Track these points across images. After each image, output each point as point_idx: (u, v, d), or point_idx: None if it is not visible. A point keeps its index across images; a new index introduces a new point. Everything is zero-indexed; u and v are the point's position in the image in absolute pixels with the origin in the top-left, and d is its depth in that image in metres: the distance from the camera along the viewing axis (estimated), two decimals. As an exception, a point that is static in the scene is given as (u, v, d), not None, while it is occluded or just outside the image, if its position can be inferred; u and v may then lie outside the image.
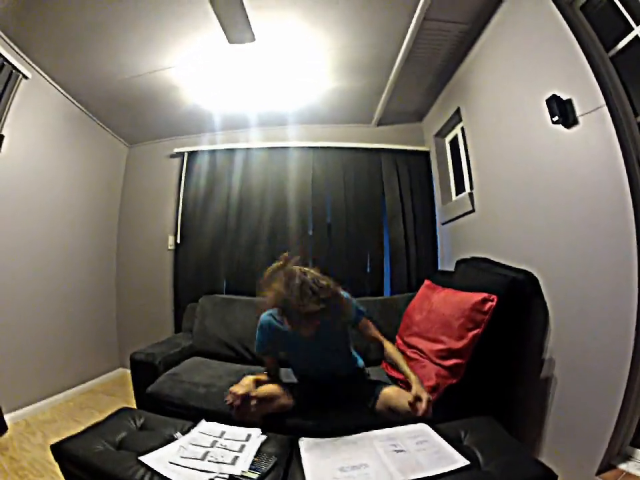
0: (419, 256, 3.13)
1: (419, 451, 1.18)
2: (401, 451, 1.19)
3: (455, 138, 2.96)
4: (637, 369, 1.26)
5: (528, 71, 1.78)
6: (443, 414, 1.43)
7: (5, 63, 2.11)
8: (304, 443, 1.31)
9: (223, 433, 1.36)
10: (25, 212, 2.46)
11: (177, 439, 1.30)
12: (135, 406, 2.06)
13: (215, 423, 1.43)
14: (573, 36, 1.46)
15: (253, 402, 1.48)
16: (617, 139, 1.30)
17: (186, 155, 3.45)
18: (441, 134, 3.12)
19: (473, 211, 2.46)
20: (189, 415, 1.62)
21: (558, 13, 1.52)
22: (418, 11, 1.99)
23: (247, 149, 3.36)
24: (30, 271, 2.50)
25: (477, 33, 2.17)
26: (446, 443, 1.22)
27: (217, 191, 3.34)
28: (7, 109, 2.21)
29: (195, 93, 2.86)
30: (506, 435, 1.30)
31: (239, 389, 1.50)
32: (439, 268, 3.10)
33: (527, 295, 1.73)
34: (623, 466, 1.34)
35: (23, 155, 2.42)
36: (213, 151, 3.41)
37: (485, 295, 1.64)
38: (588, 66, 1.39)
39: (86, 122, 3.08)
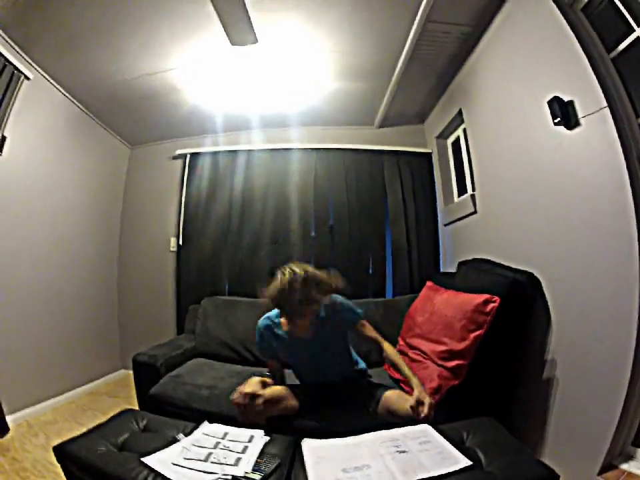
0: (421, 257, 3.13)
1: (422, 452, 1.18)
2: (404, 451, 1.19)
3: (457, 140, 2.96)
4: (638, 370, 1.26)
5: (529, 72, 1.79)
6: (445, 415, 1.43)
7: (6, 64, 2.11)
8: (306, 444, 1.31)
9: (225, 434, 1.35)
10: (27, 214, 2.46)
11: (179, 440, 1.30)
12: (137, 407, 2.06)
13: (218, 425, 1.43)
14: (574, 37, 1.47)
15: (260, 401, 1.48)
16: (618, 141, 1.30)
17: (188, 156, 3.46)
18: (443, 136, 3.12)
19: (475, 212, 2.47)
20: (192, 417, 1.61)
21: (559, 14, 1.53)
22: (420, 13, 2.00)
23: (249, 150, 3.37)
24: (32, 272, 2.51)
25: (479, 34, 2.17)
26: (448, 443, 1.22)
27: (219, 193, 3.35)
28: (9, 111, 2.21)
29: (197, 94, 2.87)
30: (508, 436, 1.30)
31: (246, 387, 1.50)
32: (441, 269, 3.10)
33: (529, 296, 1.73)
34: (624, 466, 1.33)
35: (25, 156, 2.43)
36: (215, 153, 3.42)
37: (486, 296, 1.64)
38: (589, 67, 1.40)
39: (88, 123, 3.09)
